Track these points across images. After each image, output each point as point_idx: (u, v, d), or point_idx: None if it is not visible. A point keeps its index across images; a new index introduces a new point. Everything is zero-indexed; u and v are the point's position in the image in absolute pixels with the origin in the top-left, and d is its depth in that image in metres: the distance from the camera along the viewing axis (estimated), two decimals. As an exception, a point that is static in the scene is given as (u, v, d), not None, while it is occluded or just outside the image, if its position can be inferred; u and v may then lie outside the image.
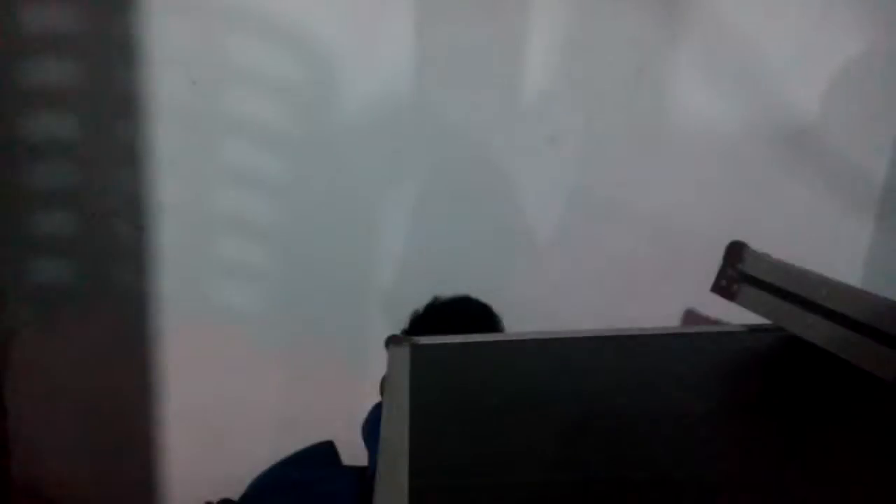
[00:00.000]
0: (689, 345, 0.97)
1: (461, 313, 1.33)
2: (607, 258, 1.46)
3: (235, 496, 1.45)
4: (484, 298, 1.38)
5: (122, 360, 1.38)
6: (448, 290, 1.39)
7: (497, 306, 1.38)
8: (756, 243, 1.42)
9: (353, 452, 1.47)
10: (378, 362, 1.45)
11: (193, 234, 1.32)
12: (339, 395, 1.45)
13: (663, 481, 0.62)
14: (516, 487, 0.61)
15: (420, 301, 1.37)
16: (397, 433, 0.71)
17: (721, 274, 1.00)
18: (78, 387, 1.38)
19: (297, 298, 1.39)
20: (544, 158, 1.38)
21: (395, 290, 1.40)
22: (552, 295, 1.45)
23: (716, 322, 1.48)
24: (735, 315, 0.96)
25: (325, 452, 1.42)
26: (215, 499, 1.45)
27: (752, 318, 0.95)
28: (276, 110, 1.28)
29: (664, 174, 1.42)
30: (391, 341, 0.98)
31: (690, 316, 1.49)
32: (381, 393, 1.37)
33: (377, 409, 1.35)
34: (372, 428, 1.33)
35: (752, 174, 1.45)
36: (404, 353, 0.94)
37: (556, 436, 0.70)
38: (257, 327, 1.39)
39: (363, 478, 1.41)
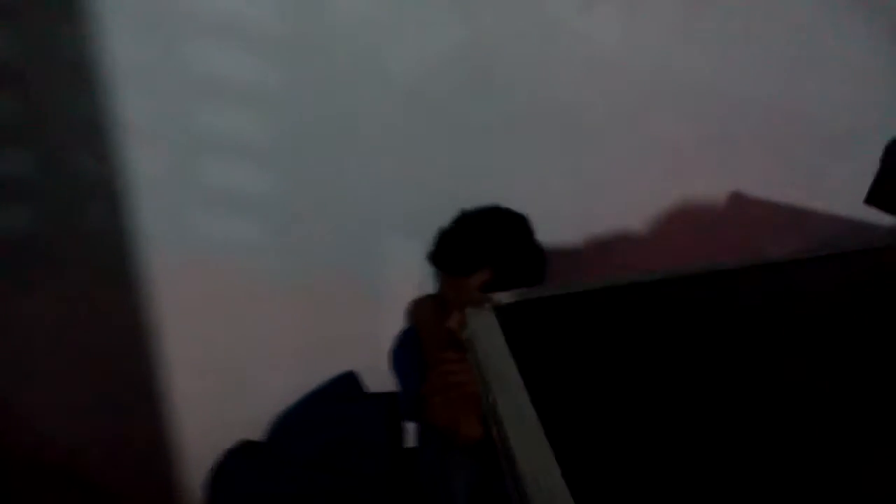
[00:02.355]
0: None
1: (495, 226, 1.20)
2: (650, 142, 1.32)
3: (257, 439, 1.36)
4: (515, 207, 1.24)
5: (112, 310, 1.23)
6: (473, 202, 1.25)
7: (532, 215, 1.23)
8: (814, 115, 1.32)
9: (378, 381, 1.38)
10: (397, 285, 1.35)
11: (174, 160, 1.14)
12: (359, 323, 1.34)
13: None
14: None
15: (440, 217, 1.23)
16: (523, 422, 0.56)
17: (881, 180, 0.80)
18: (66, 345, 1.24)
19: (301, 223, 1.25)
20: (577, 28, 1.20)
21: (411, 206, 1.26)
22: (592, 193, 1.33)
23: (775, 207, 1.39)
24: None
25: (348, 384, 1.32)
26: (234, 443, 1.36)
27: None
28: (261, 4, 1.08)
29: (713, 37, 1.26)
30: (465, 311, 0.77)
31: (738, 200, 1.39)
32: (410, 318, 1.28)
33: (405, 334, 1.25)
34: (400, 355, 1.23)
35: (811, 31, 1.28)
36: (489, 319, 0.72)
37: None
38: (260, 259, 1.25)
39: (393, 404, 1.32)
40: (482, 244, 1.17)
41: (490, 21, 1.15)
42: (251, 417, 1.37)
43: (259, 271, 1.27)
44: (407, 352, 1.20)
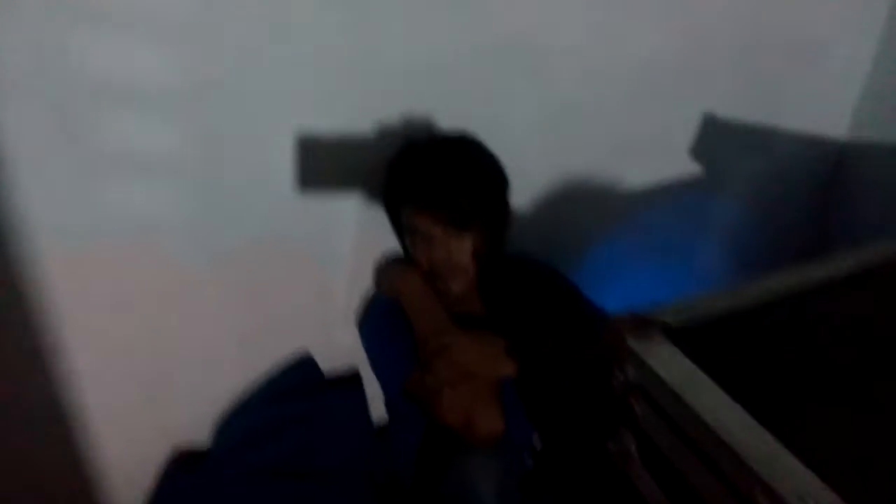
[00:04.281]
0: None
1: (448, 155, 0.99)
2: (627, 66, 1.20)
3: (198, 444, 1.15)
4: (477, 132, 1.06)
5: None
6: (427, 127, 1.06)
7: (493, 142, 1.05)
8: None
9: (331, 356, 1.21)
10: (345, 245, 1.15)
11: (56, 116, 0.86)
12: (302, 296, 1.14)
13: None
14: None
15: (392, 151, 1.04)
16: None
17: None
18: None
19: (221, 186, 1.00)
20: None
21: (355, 135, 1.04)
22: (563, 118, 1.19)
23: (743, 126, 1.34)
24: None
25: (306, 371, 1.13)
26: (172, 453, 1.14)
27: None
28: None
29: None
30: (626, 336, 0.69)
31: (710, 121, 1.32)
32: (388, 288, 1.08)
33: (381, 307, 1.06)
34: (379, 333, 1.05)
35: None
36: (665, 347, 0.67)
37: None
38: (176, 234, 1.01)
39: (362, 396, 1.15)
40: (479, 187, 0.97)
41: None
42: (187, 423, 1.15)
43: (176, 249, 1.02)
44: (388, 329, 1.01)
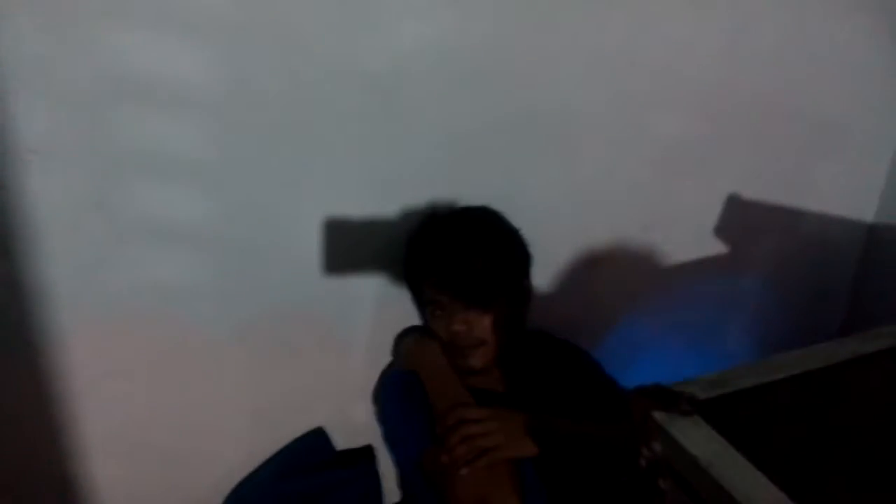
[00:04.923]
0: None
1: (470, 229, 1.00)
2: (650, 145, 1.21)
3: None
4: (500, 207, 1.07)
5: (7, 383, 0.94)
6: (449, 201, 1.07)
7: (516, 217, 1.06)
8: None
9: (347, 433, 1.17)
10: (366, 320, 1.14)
11: (85, 183, 0.88)
12: (321, 371, 1.12)
13: None
14: None
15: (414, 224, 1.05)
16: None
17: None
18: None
19: (244, 256, 1.01)
20: (577, 16, 1.05)
21: (378, 212, 1.05)
22: (586, 195, 1.20)
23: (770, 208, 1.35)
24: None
25: (318, 446, 1.10)
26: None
27: None
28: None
29: (716, 36, 1.18)
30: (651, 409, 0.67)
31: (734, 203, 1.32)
32: (406, 360, 1.05)
33: (399, 380, 1.04)
34: (396, 407, 1.02)
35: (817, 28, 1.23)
36: (692, 420, 0.64)
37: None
38: (196, 304, 1.01)
39: (375, 472, 1.12)
40: (500, 262, 0.98)
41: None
42: (198, 497, 1.12)
43: (195, 319, 1.02)
44: (404, 403, 0.99)
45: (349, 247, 1.06)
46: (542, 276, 1.19)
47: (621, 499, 0.84)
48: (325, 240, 1.04)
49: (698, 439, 0.61)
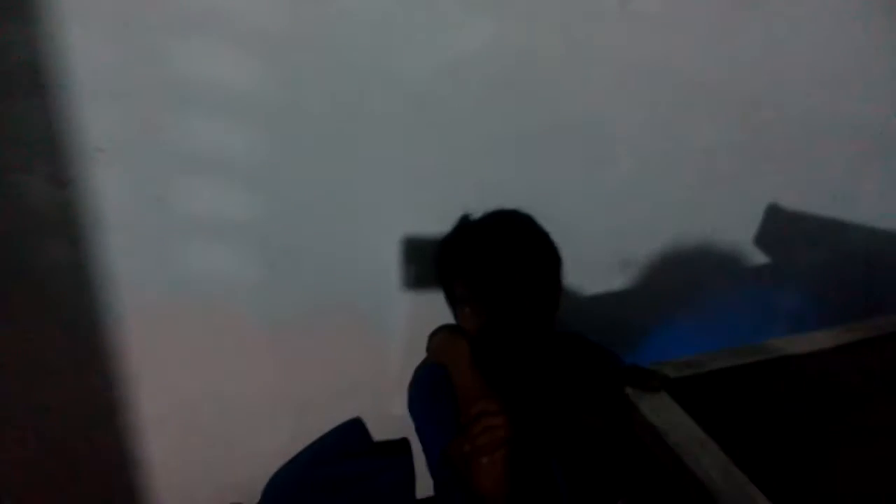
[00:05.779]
0: None
1: (499, 231, 1.05)
2: (686, 155, 1.22)
3: (249, 503, 1.17)
4: (535, 213, 1.11)
5: (71, 364, 1.03)
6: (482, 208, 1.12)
7: (546, 224, 1.10)
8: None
9: (383, 425, 1.22)
10: (403, 317, 1.19)
11: (145, 181, 0.96)
12: (363, 366, 1.17)
13: None
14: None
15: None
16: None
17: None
18: (19, 404, 1.03)
19: (289, 253, 1.07)
20: (612, 27, 1.08)
21: (416, 220, 1.11)
22: (614, 207, 1.22)
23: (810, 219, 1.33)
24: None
25: (355, 436, 1.15)
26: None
27: None
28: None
29: (757, 46, 1.18)
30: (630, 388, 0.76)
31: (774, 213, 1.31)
32: (438, 355, 1.10)
33: (430, 373, 1.08)
34: (426, 399, 1.06)
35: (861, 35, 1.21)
36: (663, 399, 0.73)
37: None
38: (247, 298, 1.08)
39: (409, 462, 1.16)
40: (528, 263, 1.01)
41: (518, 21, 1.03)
42: (241, 482, 1.18)
43: (244, 311, 1.09)
44: (433, 395, 1.03)
45: (388, 246, 1.11)
46: (577, 281, 1.21)
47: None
48: (403, 263, 1.12)
49: (661, 412, 0.69)
